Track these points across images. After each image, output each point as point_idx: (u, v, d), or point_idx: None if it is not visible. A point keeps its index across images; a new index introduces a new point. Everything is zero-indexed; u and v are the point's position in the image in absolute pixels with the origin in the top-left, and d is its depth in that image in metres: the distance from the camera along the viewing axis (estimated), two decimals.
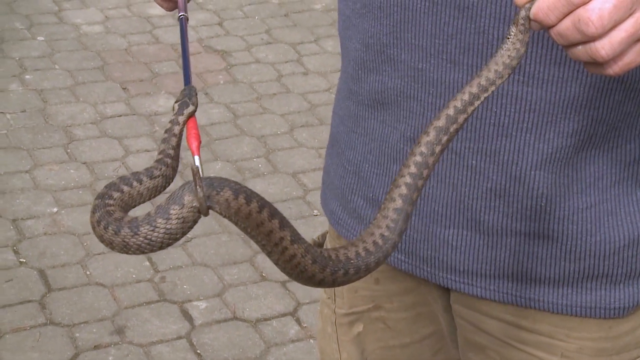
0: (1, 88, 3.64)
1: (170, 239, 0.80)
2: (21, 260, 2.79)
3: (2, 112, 3.49)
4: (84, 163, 3.24)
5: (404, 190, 0.85)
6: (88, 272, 2.76)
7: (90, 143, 3.35)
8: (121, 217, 0.82)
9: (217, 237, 2.94)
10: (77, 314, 2.61)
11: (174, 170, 0.89)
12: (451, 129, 0.85)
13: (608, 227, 1.08)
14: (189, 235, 2.97)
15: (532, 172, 1.06)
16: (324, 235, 1.33)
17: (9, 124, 3.43)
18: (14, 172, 3.17)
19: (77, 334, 2.54)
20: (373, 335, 1.28)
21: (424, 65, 1.06)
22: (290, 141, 3.45)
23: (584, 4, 0.79)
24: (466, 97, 0.85)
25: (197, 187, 0.77)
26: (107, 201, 0.83)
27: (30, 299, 2.65)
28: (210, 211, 0.79)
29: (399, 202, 0.85)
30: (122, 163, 3.28)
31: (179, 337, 2.57)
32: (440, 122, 0.85)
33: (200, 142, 0.83)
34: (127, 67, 3.84)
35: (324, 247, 1.30)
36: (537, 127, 1.04)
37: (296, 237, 0.82)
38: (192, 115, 0.89)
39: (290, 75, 3.87)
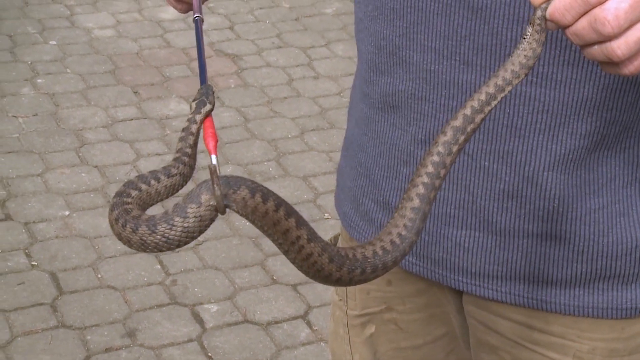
0: (13, 92, 3.66)
1: (187, 237, 0.80)
2: (33, 263, 2.80)
3: (14, 116, 3.51)
4: (96, 166, 3.25)
5: (421, 189, 0.85)
6: (99, 275, 2.77)
7: (101, 147, 3.36)
8: (139, 215, 0.82)
9: (228, 240, 2.95)
10: (89, 316, 2.62)
11: (192, 168, 0.89)
12: (468, 129, 0.86)
13: (620, 228, 1.08)
14: (200, 238, 2.97)
15: (545, 173, 1.06)
16: (336, 238, 1.33)
17: (21, 127, 3.45)
18: (26, 175, 3.18)
19: (89, 337, 2.55)
20: (385, 337, 1.28)
21: (437, 66, 1.06)
22: (301, 145, 3.45)
23: (600, 3, 0.79)
24: (483, 96, 0.85)
25: (215, 185, 0.78)
26: (125, 199, 0.83)
27: (42, 301, 2.66)
28: (226, 212, 0.79)
29: (416, 202, 0.85)
30: (134, 166, 3.29)
31: (190, 340, 2.57)
32: (458, 122, 0.85)
33: (217, 141, 0.83)
34: (138, 71, 3.85)
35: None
36: (550, 128, 1.04)
37: (313, 236, 0.82)
38: (209, 113, 0.89)
39: (301, 79, 3.88)
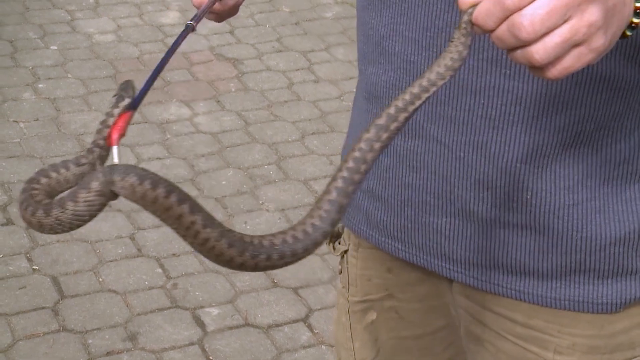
0: (15, 97, 3.67)
1: (78, 220, 0.85)
2: (34, 267, 2.81)
3: (15, 121, 3.52)
4: None
5: (340, 183, 0.88)
6: (100, 279, 2.78)
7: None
8: (41, 200, 0.88)
9: None
10: (90, 320, 2.62)
11: (102, 159, 0.93)
12: (391, 127, 0.88)
13: (595, 224, 1.09)
14: None
15: (519, 165, 1.07)
16: (343, 227, 1.34)
17: (22, 132, 3.46)
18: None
19: (90, 341, 2.56)
20: (386, 325, 1.29)
21: (416, 57, 1.09)
22: (302, 148, 3.46)
23: (518, 9, 0.80)
24: (407, 96, 0.88)
25: (99, 173, 0.83)
26: (33, 185, 0.89)
27: (44, 305, 2.67)
28: (116, 198, 0.85)
29: (333, 195, 0.87)
30: None
31: (191, 343, 2.57)
32: (381, 120, 0.88)
33: (122, 135, 0.88)
34: (139, 76, 3.86)
35: (342, 238, 1.33)
36: (523, 121, 1.05)
37: (209, 222, 0.84)
38: (128, 108, 0.93)
39: (301, 83, 3.89)
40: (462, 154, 1.09)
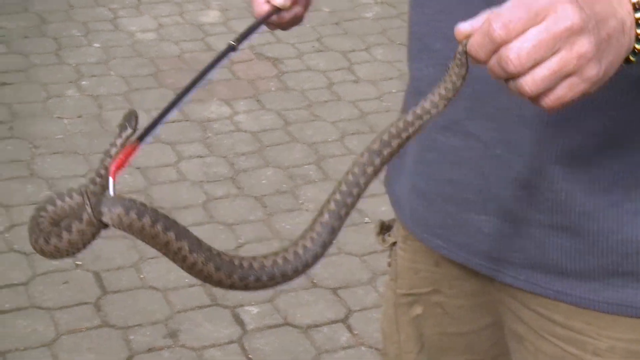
0: (58, 94, 3.72)
1: (73, 249, 0.91)
2: (77, 262, 2.85)
3: (59, 117, 3.57)
4: (138, 168, 3.29)
5: (332, 206, 0.91)
6: (142, 276, 2.81)
7: (143, 148, 3.40)
8: (45, 227, 0.94)
9: (268, 243, 2.97)
10: (132, 316, 2.65)
11: (103, 187, 0.97)
12: (385, 152, 0.91)
13: (632, 226, 1.08)
14: (241, 240, 3.00)
15: (552, 166, 1.07)
16: (394, 220, 1.35)
17: (65, 129, 3.50)
18: (71, 176, 3.23)
19: (132, 337, 2.59)
20: (432, 320, 1.30)
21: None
22: (341, 148, 3.47)
23: (506, 43, 0.82)
24: (401, 124, 0.91)
25: (86, 206, 0.88)
26: (40, 213, 0.96)
27: (86, 301, 2.70)
28: (107, 227, 0.89)
29: (325, 217, 0.91)
30: (175, 169, 3.33)
31: (231, 342, 2.59)
32: (375, 146, 0.91)
33: (121, 167, 0.92)
34: (180, 74, 3.89)
35: (393, 230, 1.34)
36: (557, 122, 1.05)
37: (195, 247, 0.88)
38: (129, 137, 0.97)
39: (341, 82, 3.90)
40: (498, 152, 1.10)
